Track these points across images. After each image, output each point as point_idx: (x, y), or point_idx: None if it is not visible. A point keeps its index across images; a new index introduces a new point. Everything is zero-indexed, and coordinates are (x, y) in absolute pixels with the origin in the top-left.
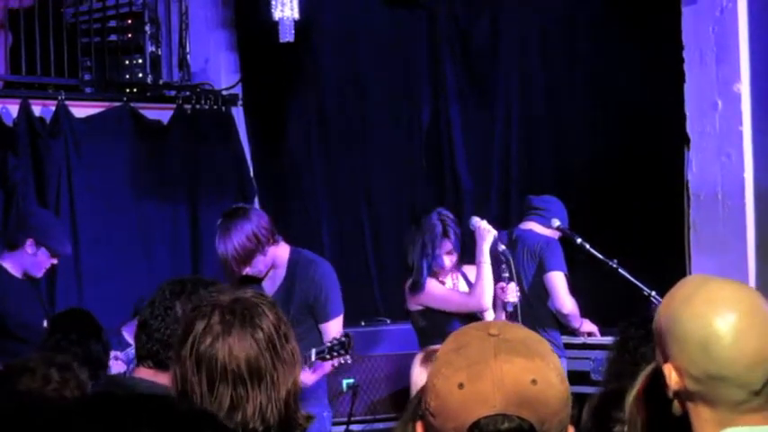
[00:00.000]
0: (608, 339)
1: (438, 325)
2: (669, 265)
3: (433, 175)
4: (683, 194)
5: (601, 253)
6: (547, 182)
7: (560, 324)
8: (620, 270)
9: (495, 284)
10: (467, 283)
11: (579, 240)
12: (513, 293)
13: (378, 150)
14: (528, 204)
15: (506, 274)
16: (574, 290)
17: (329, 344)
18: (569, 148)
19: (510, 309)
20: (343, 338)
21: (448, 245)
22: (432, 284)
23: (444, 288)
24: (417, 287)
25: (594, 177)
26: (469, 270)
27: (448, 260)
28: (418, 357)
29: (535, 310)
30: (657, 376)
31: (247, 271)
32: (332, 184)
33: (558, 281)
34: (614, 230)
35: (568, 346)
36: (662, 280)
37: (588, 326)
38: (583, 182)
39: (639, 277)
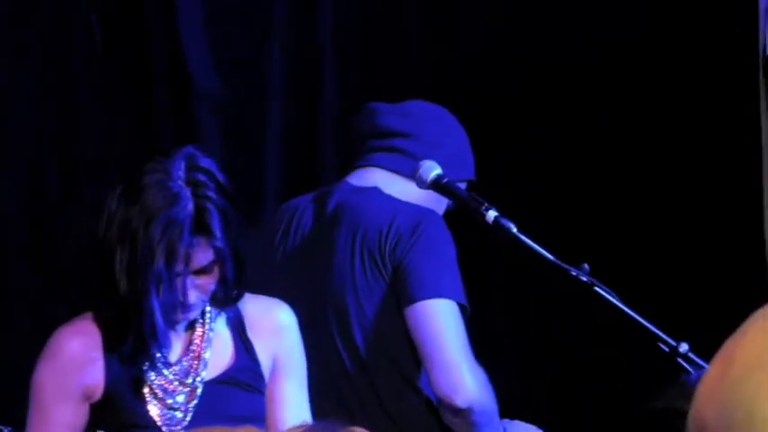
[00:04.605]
0: None
1: None
2: (733, 283)
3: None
4: (762, 169)
5: (554, 253)
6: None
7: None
8: (597, 289)
9: None
10: (235, 349)
11: (507, 225)
12: None
13: None
14: (365, 125)
15: None
16: (486, 347)
17: None
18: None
19: None
20: None
21: (204, 254)
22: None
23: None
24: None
25: (583, 122)
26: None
27: (194, 295)
28: None
29: (380, 398)
30: None
31: None
32: None
33: (442, 323)
34: (623, 224)
35: None
36: (712, 318)
37: None
38: (558, 129)
39: (658, 311)
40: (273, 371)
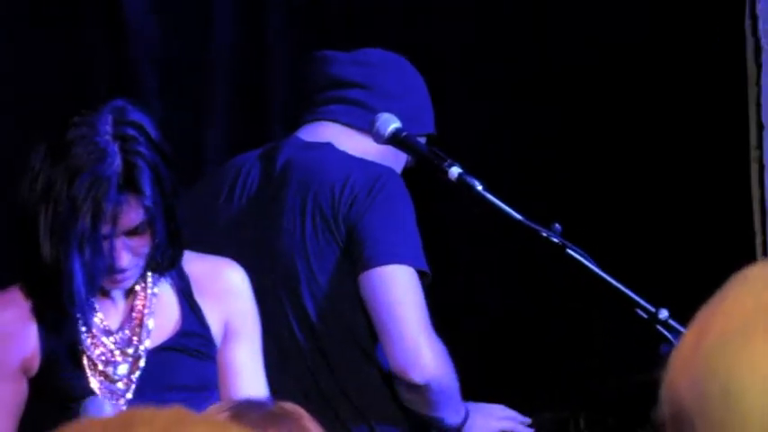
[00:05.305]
0: None
1: None
2: (716, 245)
3: None
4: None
5: (524, 213)
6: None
7: (407, 410)
8: (569, 251)
9: None
10: (182, 313)
11: (472, 182)
12: None
13: None
14: (317, 75)
15: None
16: (448, 317)
17: None
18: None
19: None
20: None
21: (135, 213)
22: None
23: None
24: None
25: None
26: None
27: (127, 258)
28: None
29: (333, 369)
30: None
31: None
32: None
33: (399, 291)
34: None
35: None
36: (693, 282)
37: (485, 419)
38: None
39: (636, 275)
40: (225, 336)
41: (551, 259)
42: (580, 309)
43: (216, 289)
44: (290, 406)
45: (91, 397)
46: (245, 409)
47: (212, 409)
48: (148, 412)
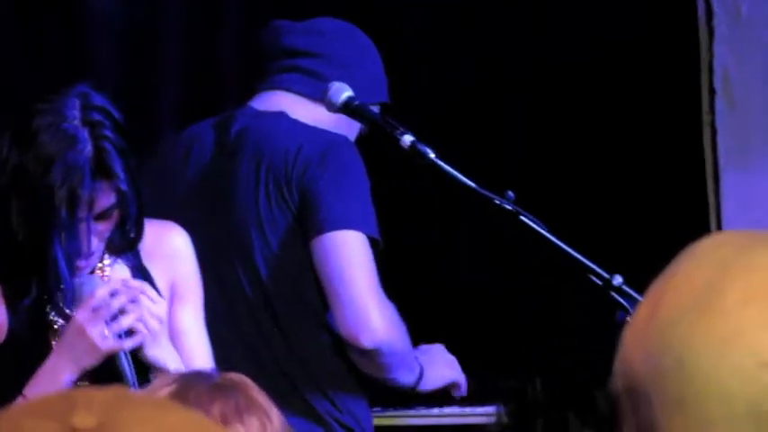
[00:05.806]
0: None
1: None
2: (671, 209)
3: None
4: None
5: (477, 180)
6: None
7: (363, 377)
8: (522, 218)
9: None
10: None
11: (424, 150)
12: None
13: None
14: (269, 44)
15: None
16: (402, 285)
17: None
18: None
19: None
20: None
21: (107, 198)
22: None
23: None
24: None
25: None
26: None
27: (95, 241)
28: None
29: (286, 336)
30: None
31: None
32: None
33: (349, 256)
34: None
35: None
36: (650, 248)
37: (436, 369)
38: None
39: (591, 242)
40: (171, 298)
41: (511, 230)
42: (551, 285)
43: (161, 253)
44: (236, 377)
45: (86, 275)
46: (191, 381)
47: (157, 382)
48: (87, 393)
